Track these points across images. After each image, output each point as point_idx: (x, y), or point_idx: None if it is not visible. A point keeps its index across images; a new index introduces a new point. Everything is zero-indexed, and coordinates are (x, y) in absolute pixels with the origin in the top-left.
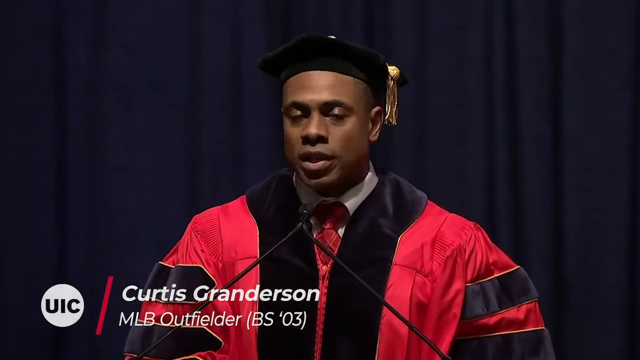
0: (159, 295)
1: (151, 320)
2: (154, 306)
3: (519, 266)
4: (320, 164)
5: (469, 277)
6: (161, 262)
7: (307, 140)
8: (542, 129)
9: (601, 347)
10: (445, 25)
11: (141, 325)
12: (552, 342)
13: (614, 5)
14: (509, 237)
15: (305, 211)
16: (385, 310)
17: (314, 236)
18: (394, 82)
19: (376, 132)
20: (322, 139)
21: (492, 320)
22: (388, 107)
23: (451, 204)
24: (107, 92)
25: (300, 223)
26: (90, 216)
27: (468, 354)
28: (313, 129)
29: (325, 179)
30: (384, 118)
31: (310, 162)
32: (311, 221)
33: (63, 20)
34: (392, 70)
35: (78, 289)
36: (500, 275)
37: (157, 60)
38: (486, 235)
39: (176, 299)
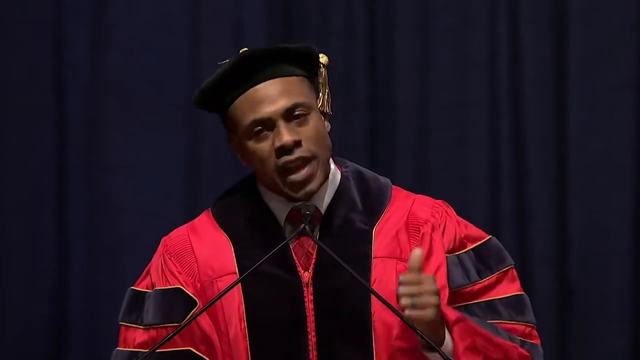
0: (136, 320)
1: (135, 346)
2: (133, 332)
3: (491, 236)
4: (304, 172)
5: (446, 251)
6: (134, 287)
7: (282, 150)
8: (546, 129)
9: (605, 350)
10: (448, 25)
11: (124, 352)
12: (531, 307)
13: (618, 5)
14: (513, 238)
15: (307, 212)
16: (375, 306)
17: (292, 243)
18: (326, 70)
19: (327, 123)
20: (298, 144)
21: (474, 289)
22: (321, 96)
23: (454, 204)
24: (107, 92)
25: (303, 225)
26: (90, 217)
27: None
28: (287, 137)
29: (311, 187)
30: (321, 106)
31: (293, 173)
32: (287, 230)
33: (63, 21)
34: (323, 57)
35: (78, 290)
36: (475, 247)
37: (157, 60)
38: (454, 212)
39: (157, 323)
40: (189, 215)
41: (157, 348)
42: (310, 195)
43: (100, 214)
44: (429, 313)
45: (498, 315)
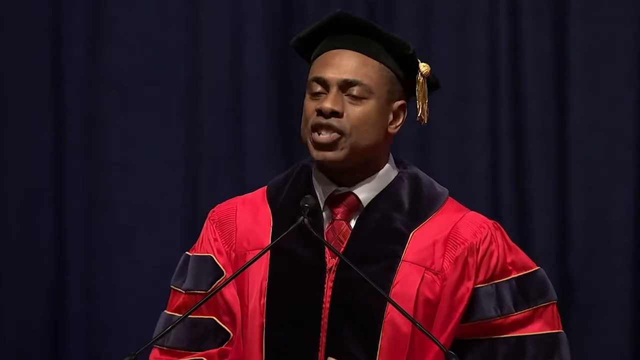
0: (181, 285)
1: (172, 310)
2: (178, 296)
3: (538, 267)
4: (328, 136)
5: (481, 278)
6: (187, 252)
7: (320, 113)
8: (547, 124)
9: (606, 346)
10: (449, 19)
11: (165, 315)
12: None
13: None
14: (514, 234)
15: (306, 205)
16: (389, 307)
17: (326, 227)
18: (423, 79)
19: (396, 126)
20: (336, 114)
21: (506, 321)
22: (418, 103)
23: (454, 198)
24: (106, 89)
25: (302, 217)
26: (89, 214)
27: (479, 353)
28: (328, 103)
29: (330, 154)
30: (417, 115)
31: (317, 133)
32: (324, 213)
33: (61, 17)
34: (423, 66)
35: (76, 288)
36: (518, 276)
37: (156, 57)
38: (505, 234)
39: (189, 288)
40: (188, 213)
41: (179, 322)
42: (327, 162)
43: (99, 212)
44: None
45: (521, 357)
